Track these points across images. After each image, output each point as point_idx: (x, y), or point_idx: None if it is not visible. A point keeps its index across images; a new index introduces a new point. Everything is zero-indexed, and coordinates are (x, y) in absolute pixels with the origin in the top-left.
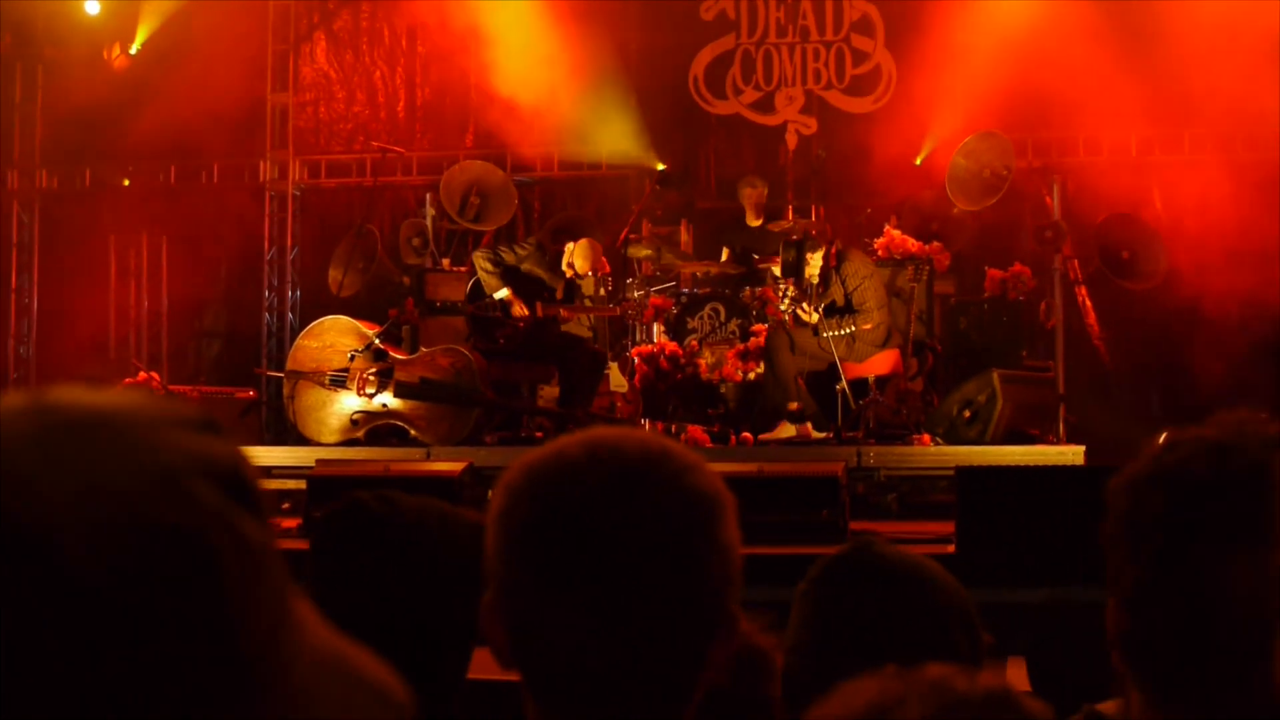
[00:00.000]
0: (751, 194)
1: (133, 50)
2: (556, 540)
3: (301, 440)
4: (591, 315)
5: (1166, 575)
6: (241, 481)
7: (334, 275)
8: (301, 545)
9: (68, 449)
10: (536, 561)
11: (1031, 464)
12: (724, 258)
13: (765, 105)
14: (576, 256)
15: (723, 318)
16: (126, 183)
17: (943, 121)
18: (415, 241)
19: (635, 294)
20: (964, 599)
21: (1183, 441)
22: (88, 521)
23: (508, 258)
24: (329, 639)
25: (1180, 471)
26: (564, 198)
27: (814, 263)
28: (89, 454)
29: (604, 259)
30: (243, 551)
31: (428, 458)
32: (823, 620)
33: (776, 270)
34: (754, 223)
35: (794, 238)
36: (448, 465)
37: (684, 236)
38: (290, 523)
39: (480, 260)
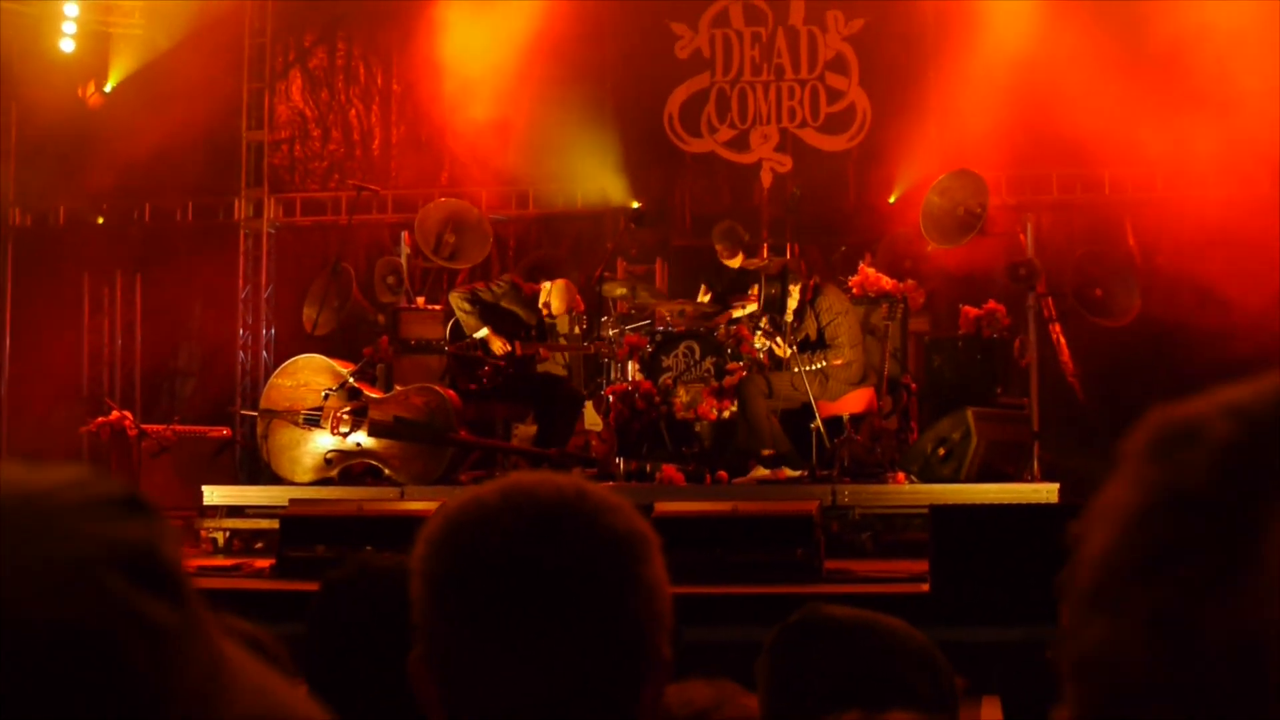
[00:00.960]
0: (726, 247)
1: (107, 88)
2: (476, 587)
3: (275, 479)
4: (567, 354)
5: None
6: (156, 566)
7: (309, 313)
8: (276, 586)
9: None
10: (458, 609)
11: (1006, 502)
12: (702, 297)
13: (740, 143)
14: (553, 297)
15: (697, 356)
16: (100, 220)
17: (917, 159)
18: (390, 280)
19: (610, 332)
20: (922, 645)
21: None
22: None
23: (484, 296)
24: (270, 698)
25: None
26: (539, 236)
27: (793, 296)
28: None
29: (579, 297)
30: (154, 641)
31: (402, 497)
32: (784, 688)
33: (751, 307)
34: (732, 263)
35: (773, 273)
36: (422, 505)
37: (659, 274)
38: (263, 563)
39: (457, 301)
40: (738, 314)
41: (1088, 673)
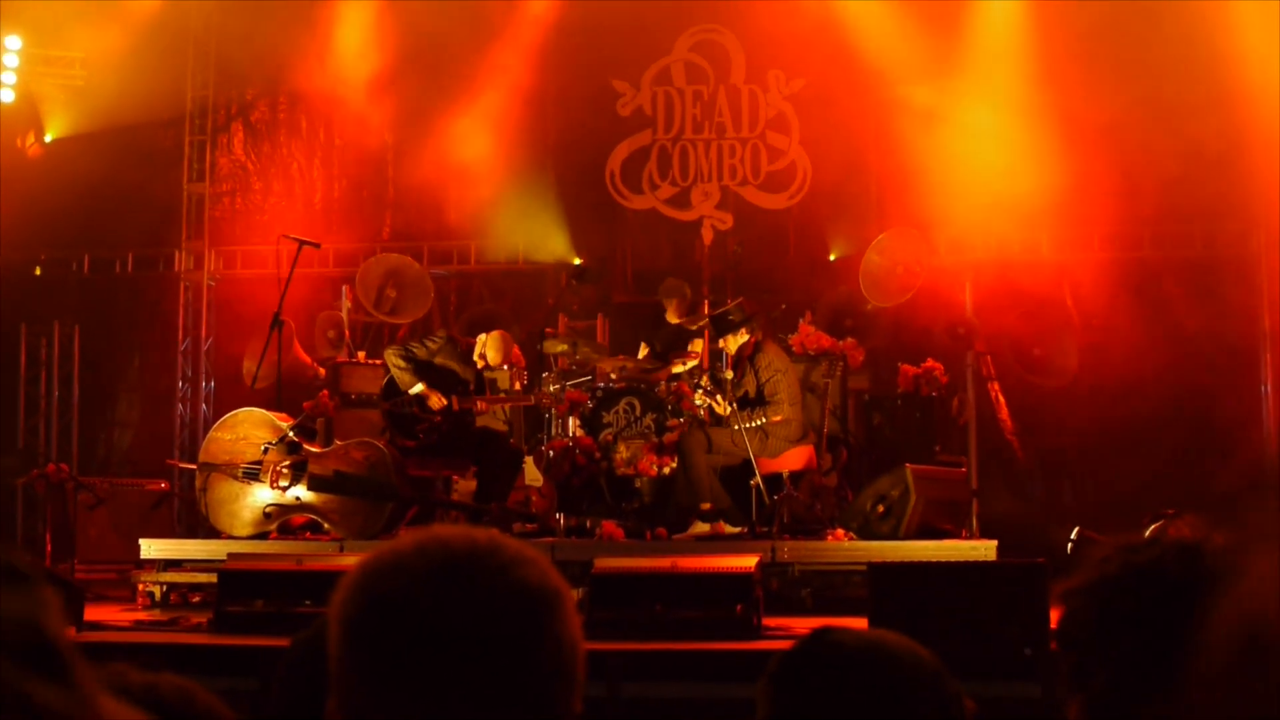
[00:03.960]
0: (672, 303)
1: (46, 139)
2: (385, 635)
3: (213, 533)
4: (507, 409)
5: (1142, 675)
6: (42, 644)
7: (248, 367)
8: (213, 640)
9: None
10: (368, 657)
11: (944, 559)
12: (642, 353)
13: (681, 201)
14: (489, 349)
15: (638, 412)
16: (38, 271)
17: (856, 218)
18: (330, 334)
19: (551, 388)
20: (932, 670)
21: (1147, 544)
22: None
23: (419, 353)
24: None
25: (1153, 572)
26: (480, 291)
27: (734, 342)
28: None
29: (518, 350)
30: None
31: (341, 551)
32: (786, 715)
33: (691, 364)
34: (674, 320)
35: (731, 317)
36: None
37: (601, 330)
38: (200, 618)
39: (392, 358)
40: (678, 369)
41: None
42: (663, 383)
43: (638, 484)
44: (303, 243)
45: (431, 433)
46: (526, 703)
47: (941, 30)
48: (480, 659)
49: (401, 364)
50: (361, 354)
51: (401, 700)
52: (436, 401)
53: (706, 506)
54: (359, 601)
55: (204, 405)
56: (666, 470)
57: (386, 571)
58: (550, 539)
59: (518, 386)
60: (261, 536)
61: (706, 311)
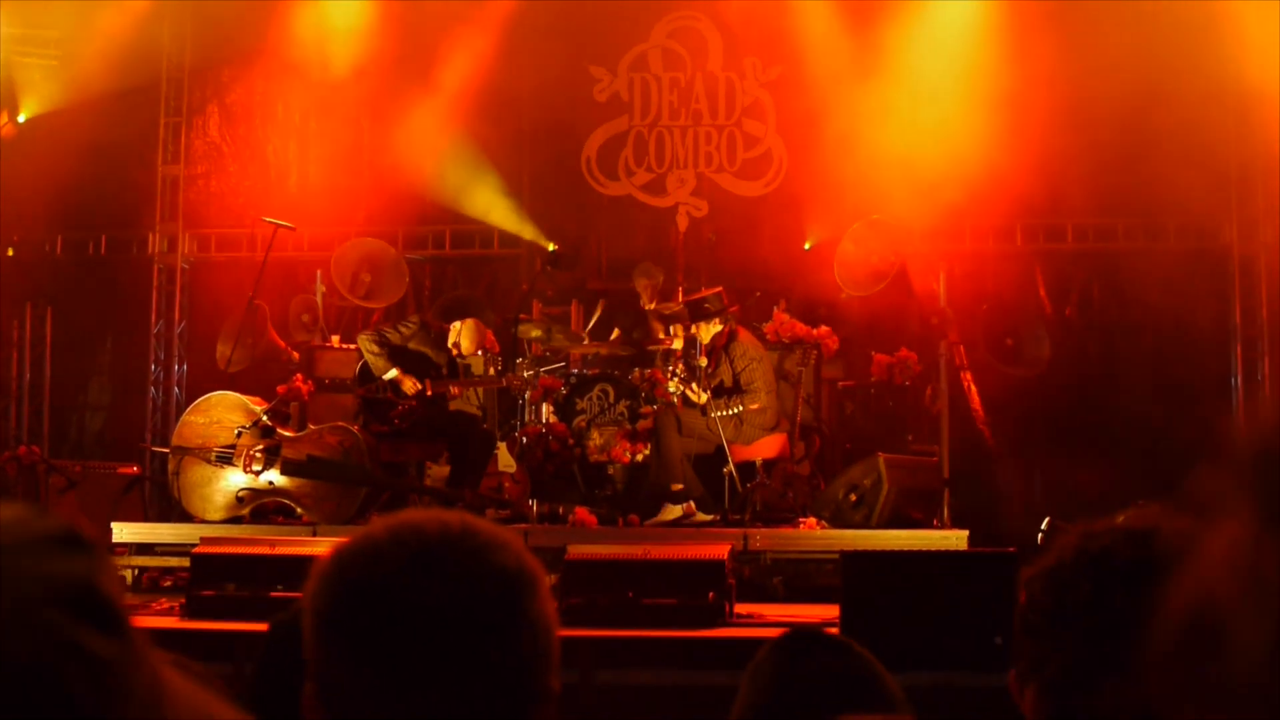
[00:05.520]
0: (648, 284)
1: (20, 119)
2: (362, 622)
3: (186, 517)
4: (481, 394)
5: (1096, 660)
6: (96, 600)
7: (222, 350)
8: (185, 625)
9: None
10: (345, 645)
11: (916, 548)
12: (614, 336)
13: (657, 187)
14: (462, 336)
15: (612, 399)
16: (11, 252)
17: (831, 207)
18: (305, 318)
19: (525, 374)
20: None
21: (1103, 530)
22: None
23: (392, 337)
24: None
25: (1105, 558)
26: (455, 276)
27: (706, 331)
28: None
29: (492, 337)
30: (97, 672)
31: (314, 536)
32: (777, 695)
33: (678, 343)
34: (648, 306)
35: (708, 305)
36: (334, 544)
37: (576, 316)
38: (172, 602)
39: (365, 343)
40: (677, 344)
41: (1232, 699)
42: (636, 370)
43: (611, 471)
44: (278, 225)
45: (406, 418)
46: (505, 685)
47: (916, 19)
48: (458, 644)
49: (375, 349)
50: (335, 338)
51: (379, 686)
52: (410, 386)
53: (677, 487)
54: (334, 590)
55: (176, 389)
56: (640, 457)
57: (360, 559)
58: (523, 525)
59: (491, 372)
60: (234, 521)
61: (680, 298)
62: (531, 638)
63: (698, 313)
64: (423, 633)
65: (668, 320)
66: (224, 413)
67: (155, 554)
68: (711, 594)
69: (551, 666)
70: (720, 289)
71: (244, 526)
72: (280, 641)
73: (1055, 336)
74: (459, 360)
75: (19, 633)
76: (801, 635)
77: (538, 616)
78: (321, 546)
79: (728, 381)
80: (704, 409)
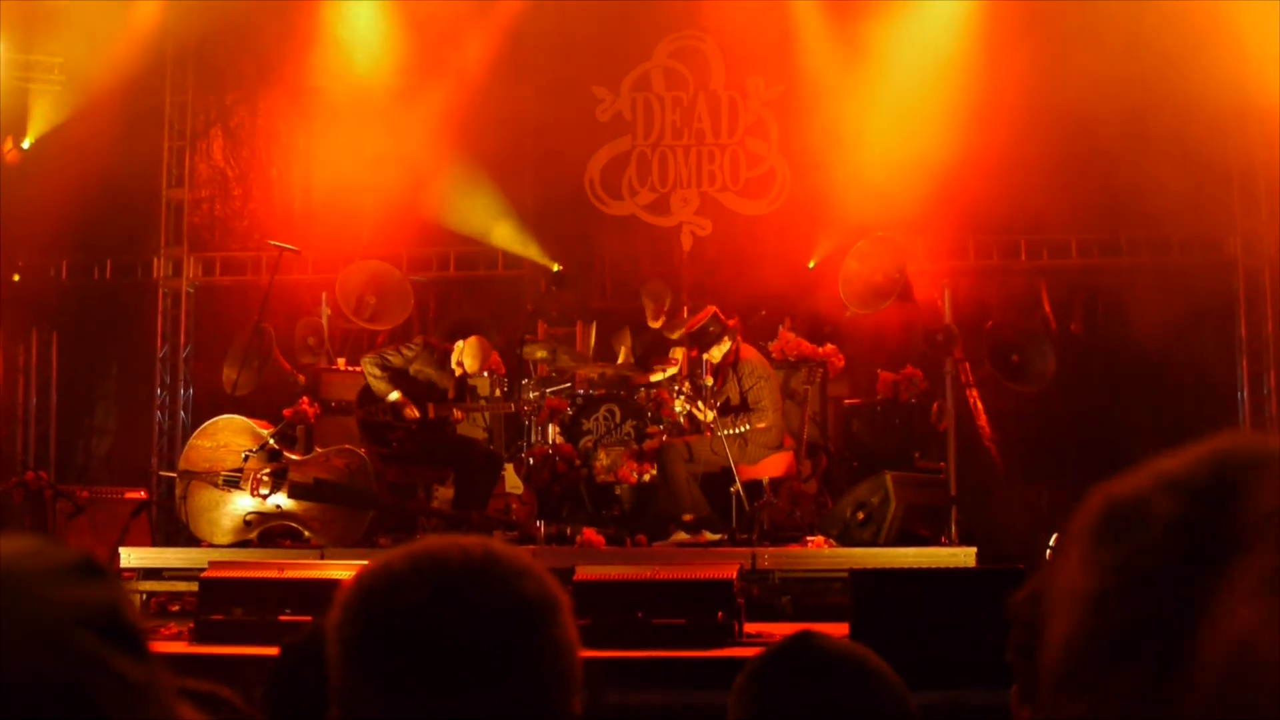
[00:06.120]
0: (653, 305)
1: (25, 144)
2: (386, 652)
3: (193, 541)
4: (487, 416)
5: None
6: (119, 623)
7: (228, 374)
8: (193, 649)
9: None
10: (369, 675)
11: (924, 566)
12: (621, 358)
13: (660, 207)
14: (466, 355)
15: (618, 419)
16: (16, 278)
17: (835, 225)
18: (310, 341)
19: (531, 395)
20: (901, 691)
21: None
22: None
23: (395, 361)
24: None
25: None
26: (459, 298)
27: (718, 352)
28: None
29: (497, 357)
30: (123, 693)
31: (322, 559)
32: (762, 715)
33: (671, 370)
34: (654, 324)
35: (711, 329)
36: (342, 568)
37: (581, 337)
38: (180, 626)
39: (368, 366)
40: (657, 377)
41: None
42: (642, 389)
43: (618, 491)
44: (283, 248)
45: (405, 441)
46: (529, 710)
47: (918, 38)
48: (481, 674)
49: (377, 373)
50: (341, 361)
51: (409, 713)
52: (410, 412)
53: (688, 518)
54: (357, 623)
55: (182, 413)
56: (646, 477)
57: (383, 591)
58: (531, 547)
59: (498, 393)
60: (242, 544)
61: (686, 316)
62: (554, 662)
63: (705, 340)
64: (449, 664)
65: (673, 345)
66: (230, 436)
67: (163, 579)
68: (720, 614)
69: (574, 689)
70: (714, 309)
71: (252, 550)
72: (291, 665)
73: (1060, 352)
74: (466, 381)
75: (52, 653)
76: (780, 658)
77: (560, 641)
78: (330, 570)
79: (735, 400)
80: (710, 428)
